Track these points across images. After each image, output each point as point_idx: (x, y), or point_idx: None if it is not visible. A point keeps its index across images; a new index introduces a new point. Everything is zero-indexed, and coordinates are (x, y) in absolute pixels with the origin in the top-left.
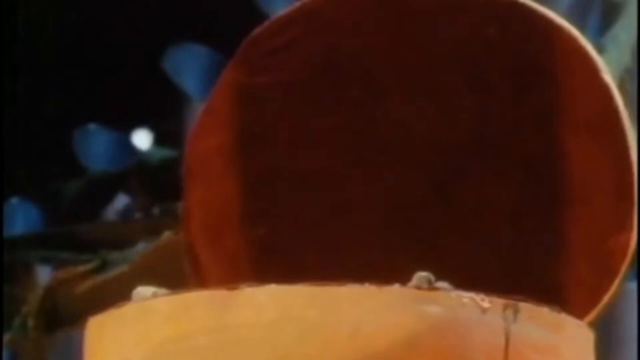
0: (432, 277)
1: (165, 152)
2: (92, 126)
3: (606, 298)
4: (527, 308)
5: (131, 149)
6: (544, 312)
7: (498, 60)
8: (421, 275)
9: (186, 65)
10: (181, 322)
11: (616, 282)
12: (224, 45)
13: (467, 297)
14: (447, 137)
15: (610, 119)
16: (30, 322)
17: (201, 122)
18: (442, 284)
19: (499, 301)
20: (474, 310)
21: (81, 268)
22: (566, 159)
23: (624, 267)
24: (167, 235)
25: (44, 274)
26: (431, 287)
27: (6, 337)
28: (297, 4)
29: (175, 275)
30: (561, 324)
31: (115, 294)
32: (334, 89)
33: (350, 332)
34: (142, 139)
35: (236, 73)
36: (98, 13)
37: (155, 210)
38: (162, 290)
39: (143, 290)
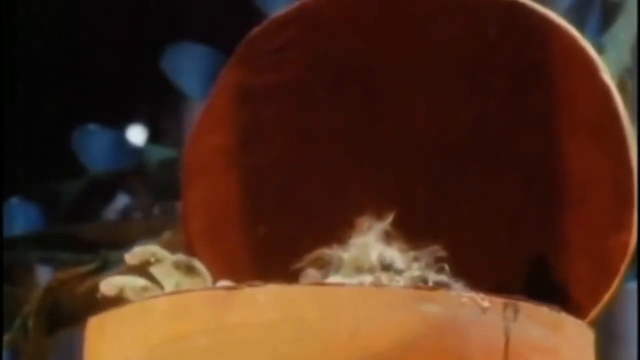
0: (427, 275)
1: (165, 152)
2: (92, 126)
3: (606, 297)
4: (526, 307)
5: (131, 149)
6: (544, 312)
7: (498, 60)
8: (415, 275)
9: (185, 65)
10: (181, 322)
11: (616, 281)
12: (224, 44)
13: (466, 296)
14: (447, 137)
15: (609, 119)
16: (31, 323)
17: (200, 122)
18: (440, 278)
19: (499, 300)
20: (474, 309)
21: (82, 268)
22: (565, 158)
23: (624, 267)
24: (166, 235)
25: (44, 274)
26: (431, 287)
27: (6, 338)
28: (295, 4)
29: None
30: (561, 324)
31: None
32: (333, 89)
33: (350, 331)
34: (136, 135)
35: (235, 73)
36: (98, 13)
37: (156, 210)
38: (135, 283)
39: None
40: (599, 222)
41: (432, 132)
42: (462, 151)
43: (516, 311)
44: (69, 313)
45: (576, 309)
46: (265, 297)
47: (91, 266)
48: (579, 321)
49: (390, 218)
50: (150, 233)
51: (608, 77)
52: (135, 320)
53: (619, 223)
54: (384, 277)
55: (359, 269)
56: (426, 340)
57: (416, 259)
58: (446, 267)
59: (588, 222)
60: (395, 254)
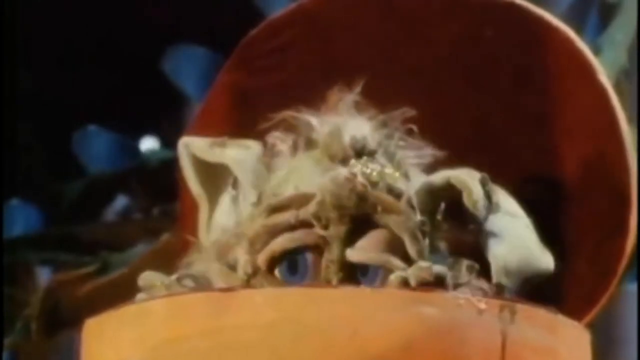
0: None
1: (165, 153)
2: (92, 127)
3: (604, 299)
4: (523, 309)
5: (131, 150)
6: (541, 313)
7: (495, 61)
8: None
9: (185, 66)
10: (178, 324)
11: (614, 283)
12: (223, 46)
13: (463, 298)
14: (446, 138)
15: (606, 120)
16: (33, 326)
17: (198, 122)
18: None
19: (496, 302)
20: (471, 311)
21: (82, 270)
22: (563, 160)
23: (622, 269)
24: (166, 236)
25: (44, 276)
26: (428, 288)
27: (7, 341)
28: (293, 5)
29: None
30: (558, 326)
31: (115, 296)
32: (332, 90)
33: (347, 333)
34: (148, 146)
35: (233, 74)
36: (98, 14)
37: (155, 212)
38: (167, 278)
39: (150, 276)
40: (596, 223)
41: (431, 132)
42: (460, 151)
43: (513, 313)
44: (70, 315)
45: (573, 311)
46: (263, 299)
47: (91, 268)
48: (575, 323)
49: (358, 88)
50: (149, 234)
51: (605, 79)
52: (133, 322)
53: (617, 224)
54: (358, 168)
55: (332, 157)
56: (423, 342)
57: (384, 123)
58: (415, 129)
59: (586, 223)
60: (366, 131)
